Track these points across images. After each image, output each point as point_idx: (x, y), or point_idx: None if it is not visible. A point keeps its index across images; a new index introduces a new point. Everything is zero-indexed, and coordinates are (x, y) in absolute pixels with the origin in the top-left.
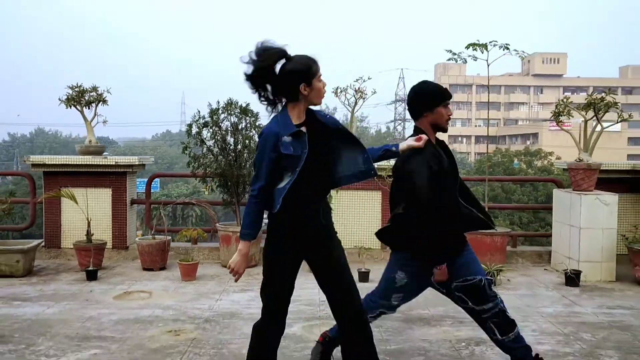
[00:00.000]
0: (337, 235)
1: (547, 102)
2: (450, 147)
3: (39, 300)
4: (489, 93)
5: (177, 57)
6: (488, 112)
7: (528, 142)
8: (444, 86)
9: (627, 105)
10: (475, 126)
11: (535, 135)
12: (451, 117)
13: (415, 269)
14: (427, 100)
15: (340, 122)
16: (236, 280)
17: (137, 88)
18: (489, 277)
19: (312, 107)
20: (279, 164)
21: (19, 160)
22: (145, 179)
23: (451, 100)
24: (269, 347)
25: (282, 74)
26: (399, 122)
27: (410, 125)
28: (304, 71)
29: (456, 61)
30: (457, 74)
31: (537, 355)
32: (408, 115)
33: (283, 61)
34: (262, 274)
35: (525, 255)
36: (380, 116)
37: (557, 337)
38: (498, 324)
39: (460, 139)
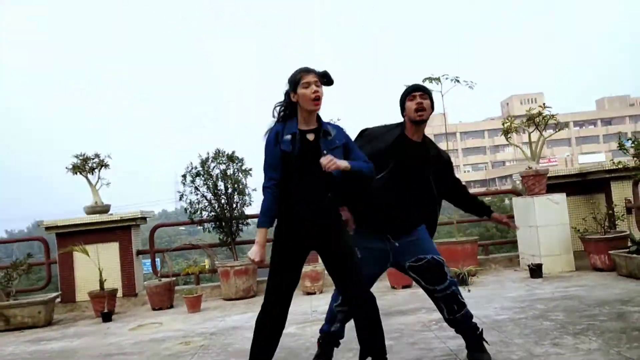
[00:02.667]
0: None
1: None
2: None
3: (62, 339)
4: (446, 124)
5: (165, 139)
6: (447, 142)
7: (517, 182)
8: (430, 135)
9: (607, 135)
10: (464, 172)
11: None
12: (420, 106)
13: (363, 244)
14: (400, 100)
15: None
16: (255, 263)
17: (128, 172)
18: (440, 258)
19: (319, 115)
20: (281, 159)
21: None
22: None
23: (417, 92)
24: (268, 337)
25: None
26: None
27: None
28: (289, 81)
29: None
30: (440, 124)
31: (480, 331)
32: None
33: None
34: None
35: (497, 261)
36: None
37: (514, 309)
38: (448, 305)
39: None
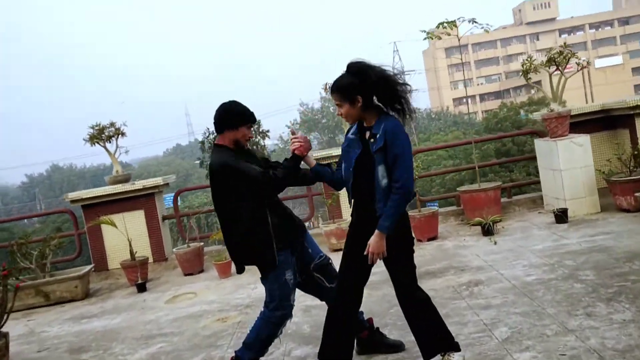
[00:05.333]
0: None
1: (545, 47)
2: (456, 109)
3: (102, 315)
4: (463, 65)
5: (173, 72)
6: (464, 82)
7: (532, 92)
8: (440, 50)
9: (625, 36)
10: (478, 85)
11: (538, 83)
12: (251, 138)
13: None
14: (235, 120)
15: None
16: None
17: (139, 109)
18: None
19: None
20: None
21: (41, 200)
22: (171, 194)
23: (255, 124)
24: (344, 326)
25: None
26: None
27: (411, 96)
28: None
29: (432, 38)
30: (450, 37)
31: None
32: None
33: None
34: None
35: (521, 203)
36: None
37: (544, 268)
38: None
39: (464, 100)
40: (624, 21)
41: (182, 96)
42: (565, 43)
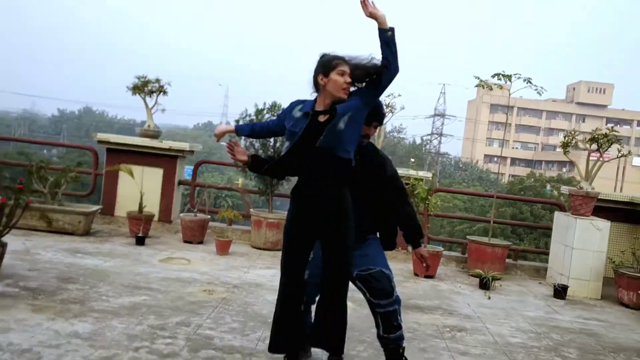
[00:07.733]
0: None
1: (588, 131)
2: (485, 166)
3: (97, 255)
4: (506, 121)
5: (220, 56)
6: (503, 141)
7: (564, 170)
8: (486, 104)
9: None
10: (513, 148)
11: (572, 163)
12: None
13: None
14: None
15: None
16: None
17: (182, 78)
18: (388, 272)
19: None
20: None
21: (65, 137)
22: (190, 165)
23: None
24: (289, 306)
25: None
26: (435, 135)
27: (445, 140)
28: (322, 64)
29: (483, 87)
30: (499, 94)
31: (403, 349)
32: (445, 130)
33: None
34: None
35: (524, 269)
36: (418, 129)
37: (530, 334)
38: (385, 322)
39: (495, 159)
40: None
41: (226, 76)
42: (612, 127)
